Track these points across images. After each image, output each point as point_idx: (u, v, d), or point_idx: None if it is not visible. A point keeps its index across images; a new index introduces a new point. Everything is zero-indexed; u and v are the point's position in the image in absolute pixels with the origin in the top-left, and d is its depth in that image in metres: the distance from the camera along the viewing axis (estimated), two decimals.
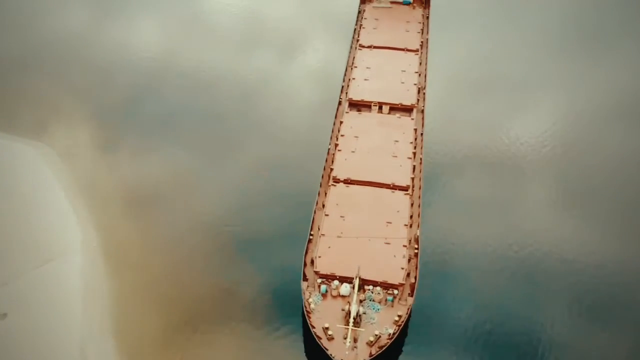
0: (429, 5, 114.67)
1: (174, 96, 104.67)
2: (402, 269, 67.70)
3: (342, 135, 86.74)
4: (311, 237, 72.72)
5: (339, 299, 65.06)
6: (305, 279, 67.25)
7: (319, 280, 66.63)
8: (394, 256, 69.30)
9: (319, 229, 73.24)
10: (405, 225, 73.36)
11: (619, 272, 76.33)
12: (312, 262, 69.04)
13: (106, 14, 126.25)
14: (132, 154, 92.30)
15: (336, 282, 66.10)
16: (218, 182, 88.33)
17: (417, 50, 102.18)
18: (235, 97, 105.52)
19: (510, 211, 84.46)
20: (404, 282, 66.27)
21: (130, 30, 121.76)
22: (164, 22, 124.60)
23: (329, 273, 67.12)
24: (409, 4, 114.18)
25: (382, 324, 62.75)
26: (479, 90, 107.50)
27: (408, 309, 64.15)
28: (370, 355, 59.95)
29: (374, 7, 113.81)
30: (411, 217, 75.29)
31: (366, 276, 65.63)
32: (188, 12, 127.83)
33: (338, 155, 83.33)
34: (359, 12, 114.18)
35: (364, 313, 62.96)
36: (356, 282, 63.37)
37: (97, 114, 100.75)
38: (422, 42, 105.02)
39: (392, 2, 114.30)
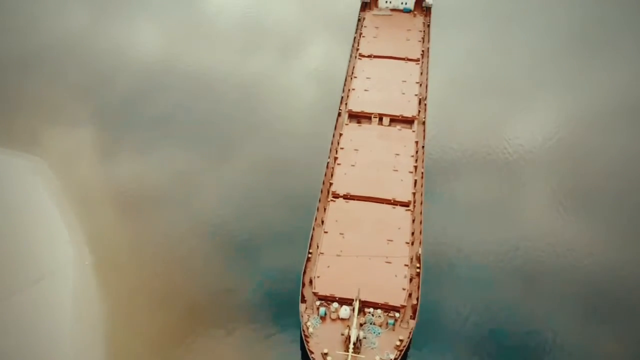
0: (429, 13, 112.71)
1: (170, 104, 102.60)
2: (404, 289, 65.42)
3: (341, 148, 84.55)
4: (310, 255, 70.48)
5: (339, 322, 62.78)
6: (303, 300, 64.95)
7: (318, 303, 64.34)
8: (395, 276, 67.04)
9: (317, 246, 70.96)
10: (407, 242, 71.12)
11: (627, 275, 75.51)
12: (311, 282, 66.75)
13: (103, 21, 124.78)
14: (127, 168, 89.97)
15: (335, 305, 63.80)
16: (215, 191, 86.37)
17: (418, 60, 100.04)
18: (234, 99, 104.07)
19: (515, 221, 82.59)
20: (405, 304, 64.00)
21: (128, 35, 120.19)
22: (168, 31, 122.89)
23: (328, 294, 64.80)
24: (409, 11, 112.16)
25: (383, 349, 60.35)
26: (481, 97, 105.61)
27: (410, 333, 61.84)
28: None
29: (374, 15, 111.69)
30: (412, 234, 73.07)
31: (366, 298, 63.31)
32: (191, 20, 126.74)
33: (337, 169, 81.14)
34: (359, 19, 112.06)
35: (364, 338, 60.56)
36: (356, 304, 60.99)
37: (92, 125, 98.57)
38: (423, 51, 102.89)
39: (392, 10, 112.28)
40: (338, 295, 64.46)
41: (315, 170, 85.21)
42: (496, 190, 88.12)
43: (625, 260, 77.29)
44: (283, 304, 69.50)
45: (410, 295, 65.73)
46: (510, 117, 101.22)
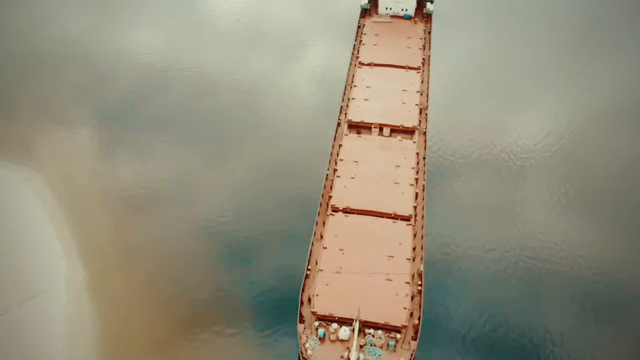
0: (430, 20, 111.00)
1: (169, 107, 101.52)
2: (405, 308, 63.64)
3: (341, 160, 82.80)
4: (308, 272, 68.70)
5: (338, 343, 60.97)
6: (301, 320, 63.22)
7: (317, 323, 62.56)
8: (396, 294, 65.24)
9: (316, 263, 69.24)
10: (408, 259, 69.30)
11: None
12: (309, 300, 65.03)
13: (102, 24, 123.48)
14: (125, 175, 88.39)
15: (335, 325, 62.04)
16: (214, 195, 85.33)
17: (418, 68, 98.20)
18: (234, 101, 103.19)
19: (520, 231, 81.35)
20: (406, 324, 62.16)
21: (127, 38, 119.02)
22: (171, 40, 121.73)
23: (327, 314, 63.04)
24: (410, 18, 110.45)
25: None
26: (483, 104, 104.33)
27: (411, 355, 60.04)
28: None
29: (374, 21, 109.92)
30: (414, 249, 71.31)
31: (367, 317, 61.48)
32: (190, 22, 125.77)
33: (337, 182, 79.40)
34: (359, 26, 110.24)
35: None
36: (356, 325, 59.21)
37: (89, 132, 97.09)
38: (424, 59, 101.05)
39: (392, 17, 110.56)
40: (337, 314, 62.69)
41: (314, 169, 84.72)
42: (499, 198, 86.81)
43: (626, 262, 76.64)
44: (280, 321, 68.55)
45: (411, 314, 63.95)
46: (514, 122, 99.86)
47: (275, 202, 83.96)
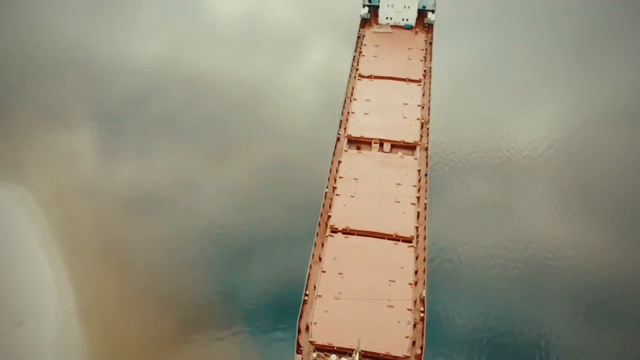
0: (432, 30, 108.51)
1: (157, 128, 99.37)
2: (407, 337, 61.03)
3: (340, 177, 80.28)
4: (306, 297, 66.11)
5: None
6: (299, 350, 60.67)
7: (315, 354, 59.96)
8: (398, 322, 62.57)
9: (314, 288, 66.67)
10: (410, 283, 66.70)
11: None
12: (307, 328, 62.48)
13: (100, 33, 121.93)
14: (115, 199, 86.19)
15: (334, 357, 59.34)
16: (213, 204, 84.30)
17: (419, 81, 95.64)
18: (233, 105, 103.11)
19: (524, 246, 79.77)
20: (408, 354, 59.56)
21: (127, 42, 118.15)
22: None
23: (325, 343, 60.43)
24: (410, 28, 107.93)
25: None
26: (486, 115, 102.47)
27: None
28: None
29: (374, 32, 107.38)
30: (416, 272, 68.73)
31: (367, 347, 58.80)
32: (190, 26, 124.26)
33: (336, 200, 76.81)
34: (358, 37, 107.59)
35: None
36: (356, 357, 56.64)
37: (80, 149, 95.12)
38: (425, 70, 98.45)
39: (393, 27, 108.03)
40: (337, 344, 60.07)
41: (313, 170, 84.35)
42: (504, 211, 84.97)
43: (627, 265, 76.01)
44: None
45: (414, 343, 61.35)
46: (517, 133, 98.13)
47: (277, 204, 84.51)
